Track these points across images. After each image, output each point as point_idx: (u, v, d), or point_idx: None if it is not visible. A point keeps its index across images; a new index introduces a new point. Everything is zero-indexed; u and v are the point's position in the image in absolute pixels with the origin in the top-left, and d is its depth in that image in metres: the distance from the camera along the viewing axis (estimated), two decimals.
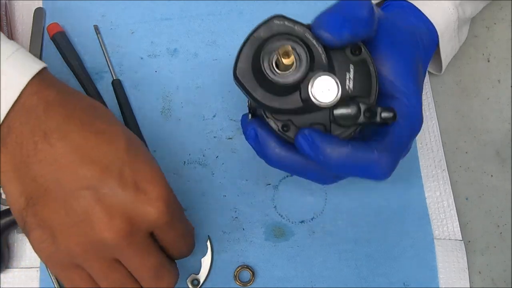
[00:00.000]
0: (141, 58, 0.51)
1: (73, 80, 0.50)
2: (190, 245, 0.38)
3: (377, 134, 0.36)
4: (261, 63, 0.33)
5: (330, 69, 0.34)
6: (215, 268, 0.45)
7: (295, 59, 0.33)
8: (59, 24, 0.51)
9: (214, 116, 0.49)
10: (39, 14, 0.52)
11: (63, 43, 0.50)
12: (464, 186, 0.47)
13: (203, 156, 0.48)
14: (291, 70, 0.33)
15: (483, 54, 0.51)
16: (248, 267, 0.45)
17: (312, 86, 0.32)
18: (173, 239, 0.36)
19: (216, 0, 0.52)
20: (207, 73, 0.50)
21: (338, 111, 0.34)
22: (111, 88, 0.50)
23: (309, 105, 0.33)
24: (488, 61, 0.51)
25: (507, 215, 0.46)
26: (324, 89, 0.32)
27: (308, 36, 0.34)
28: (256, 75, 0.34)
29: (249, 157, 0.48)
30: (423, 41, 0.41)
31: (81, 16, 0.53)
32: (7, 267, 0.45)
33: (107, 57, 0.51)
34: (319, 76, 0.32)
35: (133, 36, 0.52)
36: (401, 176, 0.47)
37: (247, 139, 0.38)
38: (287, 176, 0.47)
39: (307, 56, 0.33)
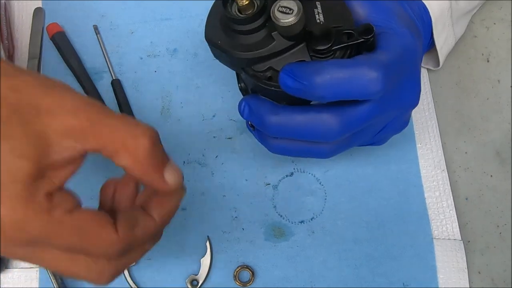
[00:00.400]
0: (141, 58, 0.51)
1: (72, 80, 0.50)
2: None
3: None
4: (226, 14, 0.35)
5: None
6: (214, 268, 0.45)
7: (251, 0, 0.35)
8: (58, 24, 0.51)
9: (213, 116, 0.49)
10: (38, 14, 0.52)
11: (62, 43, 0.50)
12: (464, 186, 0.47)
13: (203, 156, 0.48)
14: (251, 10, 0.35)
15: (483, 54, 0.51)
16: (248, 267, 0.45)
17: (273, 11, 0.33)
18: None
19: (216, 0, 0.52)
20: (206, 73, 0.51)
21: (314, 40, 0.35)
22: (111, 88, 0.50)
23: (281, 40, 0.34)
24: (488, 61, 0.51)
25: (507, 215, 0.46)
26: (286, 10, 0.33)
27: None
28: (227, 33, 0.35)
29: (249, 157, 0.48)
30: (412, 6, 0.40)
31: (81, 16, 0.53)
32: (7, 267, 0.45)
33: (106, 57, 0.51)
34: (278, 1, 0.34)
35: (132, 36, 0.52)
36: (400, 176, 0.47)
37: (242, 116, 0.38)
38: (286, 176, 0.47)
39: None
